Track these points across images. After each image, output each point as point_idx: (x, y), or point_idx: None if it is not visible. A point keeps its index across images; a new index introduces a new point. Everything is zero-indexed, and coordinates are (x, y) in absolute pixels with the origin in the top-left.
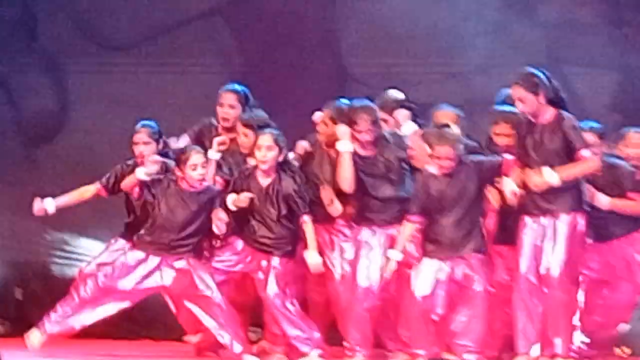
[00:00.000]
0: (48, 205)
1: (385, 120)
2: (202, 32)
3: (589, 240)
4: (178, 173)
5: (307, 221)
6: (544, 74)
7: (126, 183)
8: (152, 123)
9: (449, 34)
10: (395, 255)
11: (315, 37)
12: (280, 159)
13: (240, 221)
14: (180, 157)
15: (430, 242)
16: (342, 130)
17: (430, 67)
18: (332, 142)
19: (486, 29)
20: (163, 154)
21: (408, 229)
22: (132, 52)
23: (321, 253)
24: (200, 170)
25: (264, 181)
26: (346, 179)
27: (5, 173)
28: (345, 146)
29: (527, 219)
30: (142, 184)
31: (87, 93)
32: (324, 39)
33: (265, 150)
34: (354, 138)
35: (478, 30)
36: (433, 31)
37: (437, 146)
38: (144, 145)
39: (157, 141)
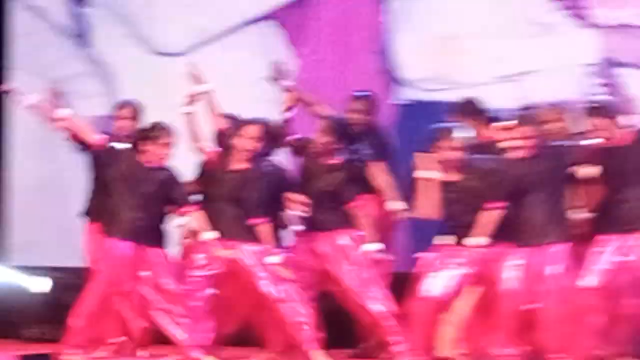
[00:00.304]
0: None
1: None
2: (255, 37)
3: None
4: (145, 147)
5: (259, 223)
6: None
7: None
8: (135, 101)
9: (499, 36)
10: (477, 241)
11: (364, 40)
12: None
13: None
14: (148, 134)
15: (512, 230)
16: (426, 158)
17: (481, 69)
18: (326, 152)
19: (538, 31)
20: None
21: (493, 216)
22: (186, 59)
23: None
24: (168, 150)
25: (236, 167)
26: (432, 206)
27: (58, 180)
28: (432, 174)
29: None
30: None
31: (140, 100)
32: (372, 42)
33: (251, 140)
34: (435, 162)
35: (530, 32)
36: (483, 33)
37: (519, 127)
38: (130, 120)
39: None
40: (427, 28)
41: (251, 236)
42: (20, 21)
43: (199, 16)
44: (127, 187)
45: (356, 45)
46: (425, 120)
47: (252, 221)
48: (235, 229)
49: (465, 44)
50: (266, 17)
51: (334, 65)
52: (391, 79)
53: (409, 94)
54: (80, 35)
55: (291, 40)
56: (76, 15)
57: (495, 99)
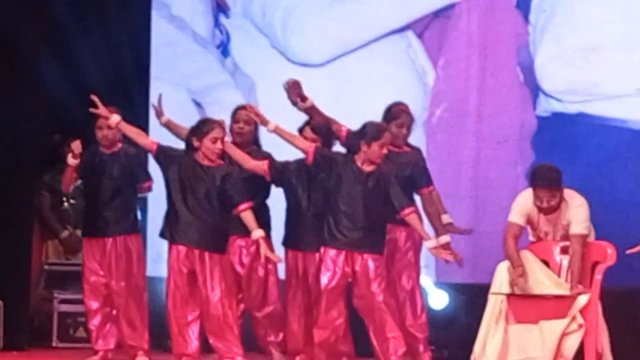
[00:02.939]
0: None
1: None
2: (395, 48)
3: None
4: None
5: None
6: None
7: None
8: None
9: None
10: None
11: (505, 52)
12: None
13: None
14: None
15: None
16: None
17: (623, 82)
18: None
19: None
20: None
21: None
22: (325, 70)
23: None
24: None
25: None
26: None
27: None
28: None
29: None
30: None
31: (277, 110)
32: (514, 54)
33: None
34: None
35: None
36: (625, 45)
37: None
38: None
39: None
40: (569, 40)
41: None
42: (162, 31)
43: (338, 27)
44: None
45: (497, 57)
46: (566, 133)
47: None
48: None
49: (607, 56)
50: (406, 28)
51: (473, 77)
52: (532, 91)
53: (550, 107)
54: (220, 46)
55: (430, 52)
56: (217, 25)
57: (636, 111)
